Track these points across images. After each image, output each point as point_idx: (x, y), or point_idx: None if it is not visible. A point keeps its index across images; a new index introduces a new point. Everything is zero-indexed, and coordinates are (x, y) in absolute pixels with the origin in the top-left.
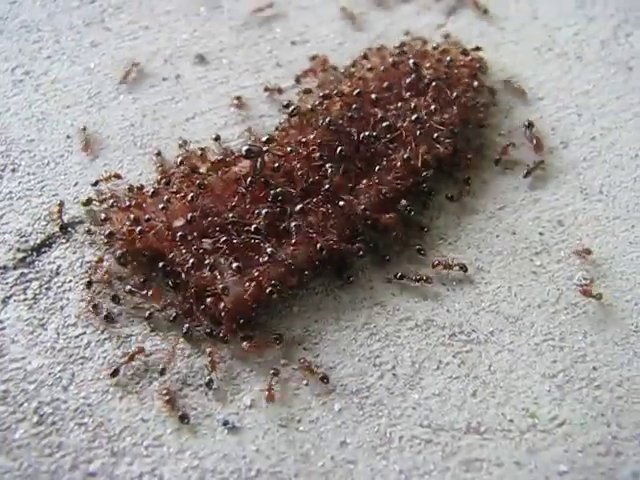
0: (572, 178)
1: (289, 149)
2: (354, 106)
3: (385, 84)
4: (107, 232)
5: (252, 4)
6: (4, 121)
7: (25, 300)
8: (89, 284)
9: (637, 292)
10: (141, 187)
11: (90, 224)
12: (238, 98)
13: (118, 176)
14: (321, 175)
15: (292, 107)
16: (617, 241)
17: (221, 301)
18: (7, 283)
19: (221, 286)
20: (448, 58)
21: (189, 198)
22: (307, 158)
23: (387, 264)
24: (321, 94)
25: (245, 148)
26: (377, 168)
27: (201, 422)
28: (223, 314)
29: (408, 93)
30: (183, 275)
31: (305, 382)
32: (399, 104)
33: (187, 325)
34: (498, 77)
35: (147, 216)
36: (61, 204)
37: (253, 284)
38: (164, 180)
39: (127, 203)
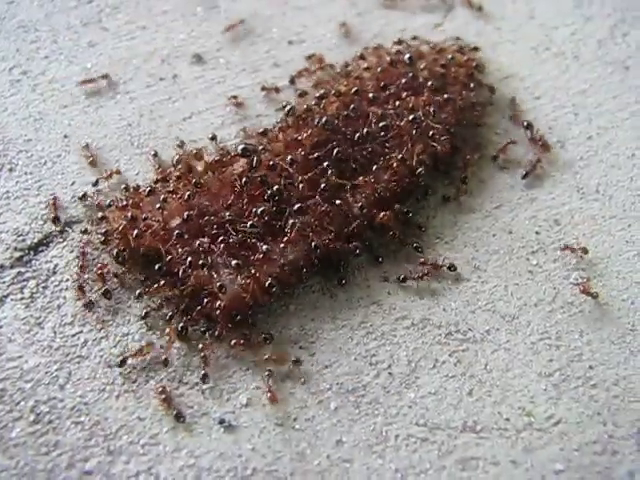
0: (569, 177)
1: (285, 148)
2: (351, 105)
3: (382, 83)
4: (104, 231)
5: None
6: (1, 121)
7: (22, 299)
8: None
9: (633, 291)
10: (138, 186)
11: (87, 223)
12: (235, 98)
13: (118, 172)
14: (317, 174)
15: (289, 107)
16: (613, 240)
17: (217, 299)
18: (4, 282)
19: (218, 284)
20: (445, 57)
21: (185, 197)
22: (303, 157)
23: (383, 263)
24: (317, 94)
25: (241, 147)
26: (374, 167)
27: (197, 421)
28: (219, 312)
29: (405, 92)
30: (180, 274)
31: (302, 380)
32: (396, 103)
33: (183, 324)
34: (495, 76)
35: (144, 215)
36: (55, 198)
37: (250, 282)
38: (161, 179)
39: (124, 202)
